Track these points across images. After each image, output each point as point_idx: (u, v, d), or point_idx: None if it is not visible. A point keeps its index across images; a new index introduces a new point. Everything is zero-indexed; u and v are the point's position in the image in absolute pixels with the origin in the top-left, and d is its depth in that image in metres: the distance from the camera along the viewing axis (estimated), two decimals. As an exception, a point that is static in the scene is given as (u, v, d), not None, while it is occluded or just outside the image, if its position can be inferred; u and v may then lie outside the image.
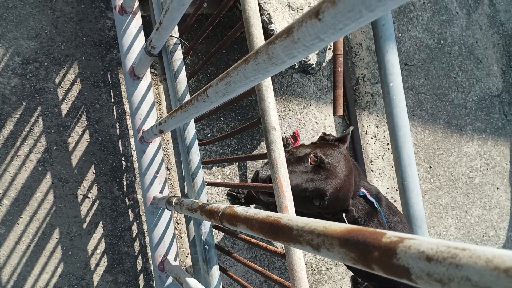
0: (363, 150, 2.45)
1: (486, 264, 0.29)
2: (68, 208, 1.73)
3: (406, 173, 2.20)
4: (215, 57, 1.43)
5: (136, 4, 1.51)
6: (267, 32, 1.79)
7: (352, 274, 1.96)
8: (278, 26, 1.77)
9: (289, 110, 2.25)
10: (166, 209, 1.53)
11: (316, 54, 1.90)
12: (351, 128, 1.56)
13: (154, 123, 1.36)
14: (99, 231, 1.78)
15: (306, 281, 0.98)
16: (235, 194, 2.04)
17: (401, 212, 2.25)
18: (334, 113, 1.97)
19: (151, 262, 1.88)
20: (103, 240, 1.79)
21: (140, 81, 1.52)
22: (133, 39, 1.51)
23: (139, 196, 1.87)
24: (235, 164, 2.11)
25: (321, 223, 0.50)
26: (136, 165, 1.87)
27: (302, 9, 1.84)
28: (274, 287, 2.17)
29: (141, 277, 1.87)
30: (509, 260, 0.28)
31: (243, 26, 0.98)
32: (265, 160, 1.91)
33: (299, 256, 0.98)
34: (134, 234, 1.85)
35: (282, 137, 2.15)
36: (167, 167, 1.96)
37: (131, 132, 1.86)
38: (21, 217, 1.66)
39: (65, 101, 1.73)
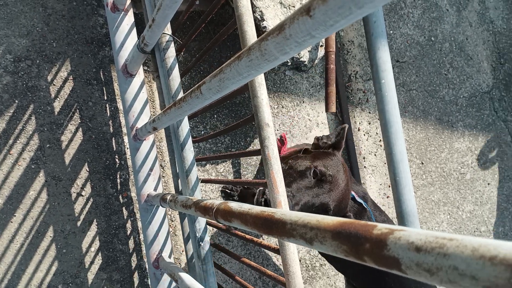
0: (355, 147, 2.47)
1: (472, 253, 0.30)
2: (62, 206, 1.72)
3: (399, 169, 2.22)
4: (208, 55, 1.44)
5: (128, 1, 1.51)
6: (259, 29, 1.79)
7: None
8: (271, 23, 1.78)
9: (282, 107, 2.26)
10: (160, 206, 1.53)
11: (309, 51, 1.91)
12: (346, 127, 1.51)
13: (148, 121, 1.37)
14: (93, 229, 1.78)
15: (300, 275, 0.99)
16: (228, 191, 2.04)
17: (394, 208, 2.27)
18: (327, 109, 1.98)
19: (145, 260, 1.88)
20: (97, 238, 1.79)
21: (133, 79, 1.52)
22: (125, 37, 1.51)
23: (133, 194, 1.87)
24: (229, 161, 2.12)
25: (314, 217, 0.51)
26: (129, 162, 1.87)
27: (294, 6, 1.85)
28: (268, 284, 2.18)
29: (135, 275, 1.87)
30: (494, 249, 0.29)
31: (236, 23, 0.99)
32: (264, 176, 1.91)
33: (293, 251, 0.99)
34: (129, 232, 1.86)
35: None
36: (161, 165, 1.96)
37: (124, 129, 1.86)
38: (15, 216, 1.65)
39: (58, 99, 1.73)
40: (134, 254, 1.87)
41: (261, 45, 0.48)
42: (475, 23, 2.94)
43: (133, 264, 1.86)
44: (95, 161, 1.79)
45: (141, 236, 1.88)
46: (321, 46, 2.01)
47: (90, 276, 1.77)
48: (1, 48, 1.63)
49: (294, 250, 0.99)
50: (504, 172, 3.03)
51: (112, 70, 1.84)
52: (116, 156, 1.84)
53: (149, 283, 1.86)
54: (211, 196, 2.07)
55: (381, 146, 2.54)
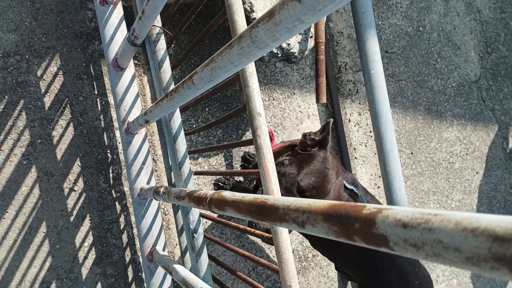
0: (346, 138, 2.49)
1: (455, 226, 0.32)
2: (55, 202, 1.72)
3: (389, 159, 2.25)
4: (198, 47, 1.44)
5: (117, -6, 1.50)
6: (249, 21, 1.80)
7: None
8: (260, 14, 1.78)
9: (273, 99, 2.27)
10: (153, 200, 1.54)
11: (299, 43, 1.92)
12: (331, 122, 1.46)
13: (139, 114, 1.37)
14: (86, 224, 1.78)
15: (293, 263, 1.01)
16: (221, 184, 2.05)
17: (385, 198, 2.30)
18: (318, 100, 2.00)
19: (139, 254, 1.89)
20: (90, 233, 1.79)
21: (123, 72, 1.52)
22: (115, 30, 1.50)
23: (126, 188, 1.87)
24: (221, 154, 2.13)
25: (306, 201, 0.53)
26: (122, 157, 1.87)
27: (284, -2, 1.85)
28: (262, 275, 2.20)
29: (129, 269, 1.88)
30: (476, 221, 0.31)
31: (226, 14, 1.00)
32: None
33: (286, 239, 1.01)
34: (122, 226, 1.86)
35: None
36: (153, 159, 1.96)
37: (116, 124, 1.86)
38: (7, 212, 1.64)
39: (48, 94, 1.72)
40: (128, 248, 1.87)
41: (252, 32, 0.49)
42: (462, 13, 2.97)
43: (127, 258, 1.87)
44: (87, 156, 1.79)
45: (135, 230, 1.89)
46: (311, 37, 2.02)
47: (84, 271, 1.78)
48: (-11, 43, 1.62)
49: (287, 237, 1.01)
50: (492, 161, 3.08)
51: (102, 64, 1.84)
52: (108, 151, 1.84)
53: (143, 277, 1.87)
54: (204, 189, 2.08)
55: (371, 136, 2.57)
